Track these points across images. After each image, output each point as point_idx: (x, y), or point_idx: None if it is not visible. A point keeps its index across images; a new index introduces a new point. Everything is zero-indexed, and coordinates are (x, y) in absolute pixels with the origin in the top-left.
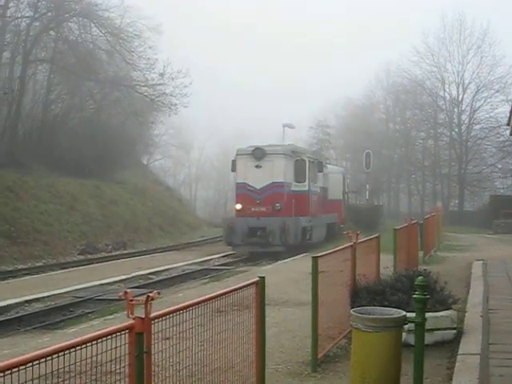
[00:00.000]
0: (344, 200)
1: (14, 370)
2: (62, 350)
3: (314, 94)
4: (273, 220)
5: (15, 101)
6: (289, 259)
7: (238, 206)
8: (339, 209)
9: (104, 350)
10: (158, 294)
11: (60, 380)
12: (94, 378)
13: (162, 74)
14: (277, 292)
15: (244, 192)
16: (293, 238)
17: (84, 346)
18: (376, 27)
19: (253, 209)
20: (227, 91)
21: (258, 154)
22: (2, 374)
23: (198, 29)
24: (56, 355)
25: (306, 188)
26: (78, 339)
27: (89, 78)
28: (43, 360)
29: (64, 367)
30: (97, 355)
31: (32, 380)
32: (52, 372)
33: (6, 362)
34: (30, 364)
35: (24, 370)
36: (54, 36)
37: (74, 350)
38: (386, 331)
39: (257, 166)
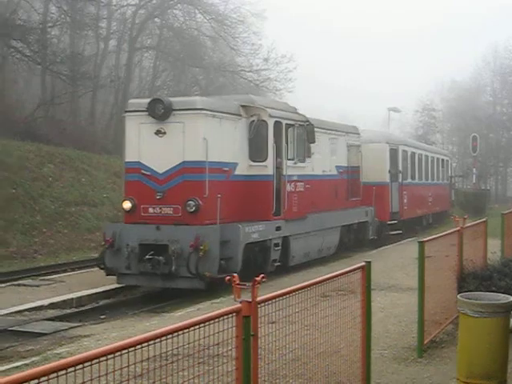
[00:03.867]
0: (450, 184)
1: (123, 351)
2: (171, 332)
3: (419, 77)
4: (181, 231)
5: (122, 88)
6: (393, 244)
7: (126, 205)
8: (445, 194)
9: (211, 333)
10: (264, 278)
11: (168, 362)
12: (201, 360)
13: (266, 59)
14: (382, 277)
15: (136, 179)
16: (214, 264)
17: (192, 328)
18: (479, 9)
19: (151, 209)
20: (330, 75)
21: (159, 112)
22: (111, 356)
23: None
24: (164, 338)
25: (269, 172)
26: (186, 322)
27: (194, 65)
28: (152, 342)
29: (172, 349)
30: (204, 338)
31: (141, 362)
32: (160, 354)
33: (115, 344)
34: (140, 346)
35: (133, 352)
36: (158, 23)
37: (182, 332)
38: (493, 317)
39: (158, 133)
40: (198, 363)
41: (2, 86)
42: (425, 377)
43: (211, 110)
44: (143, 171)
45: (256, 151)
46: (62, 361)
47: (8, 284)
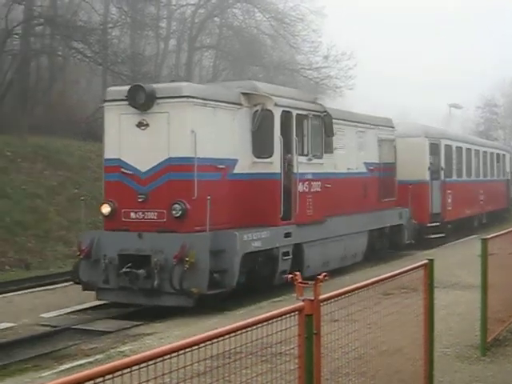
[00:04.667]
0: (509, 181)
1: (186, 350)
2: (234, 331)
3: (481, 73)
4: (165, 240)
5: None
6: (456, 241)
7: (105, 209)
8: (502, 191)
9: (273, 331)
10: (326, 276)
11: (230, 360)
12: (263, 359)
13: (326, 57)
14: (444, 274)
15: (117, 179)
16: (202, 278)
17: (255, 327)
18: None
19: (132, 214)
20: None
21: (140, 100)
22: (175, 354)
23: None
24: (228, 336)
25: (276, 169)
26: (249, 320)
27: (253, 63)
28: (215, 341)
29: (235, 348)
30: (266, 336)
31: (204, 360)
32: (224, 352)
33: (178, 343)
34: (203, 344)
35: (196, 351)
36: (218, 22)
37: (245, 331)
38: None
39: (140, 126)
40: (261, 361)
41: (64, 87)
42: (488, 375)
43: (201, 98)
44: (124, 170)
45: (260, 146)
46: (127, 359)
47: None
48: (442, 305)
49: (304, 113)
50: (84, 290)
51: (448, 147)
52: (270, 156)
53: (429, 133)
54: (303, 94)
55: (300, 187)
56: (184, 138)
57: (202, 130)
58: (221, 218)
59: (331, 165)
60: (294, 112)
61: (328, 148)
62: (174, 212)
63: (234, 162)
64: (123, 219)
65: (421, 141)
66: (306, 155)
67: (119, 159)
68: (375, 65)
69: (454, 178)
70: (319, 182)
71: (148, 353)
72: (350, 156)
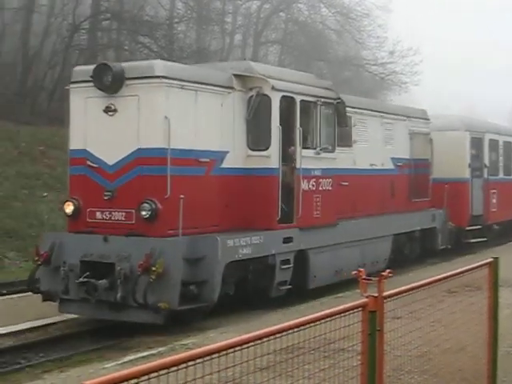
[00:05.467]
0: None
1: (250, 344)
2: (297, 326)
3: None
4: (132, 245)
5: None
6: None
7: (68, 208)
8: None
9: (336, 327)
10: (390, 273)
11: (293, 355)
12: (325, 354)
13: (391, 53)
14: (510, 273)
15: (82, 173)
16: (173, 292)
17: (318, 322)
18: None
19: (98, 214)
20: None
21: (107, 81)
22: (239, 348)
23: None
24: (291, 331)
25: (273, 163)
26: (313, 316)
27: (319, 58)
28: (279, 335)
29: (298, 343)
30: (329, 332)
31: (267, 354)
32: (286, 347)
33: (242, 337)
34: (266, 339)
35: (260, 345)
36: (283, 17)
37: (308, 326)
38: None
39: (107, 111)
40: (323, 357)
41: None
42: None
43: (178, 79)
44: (89, 162)
45: (257, 137)
46: (191, 352)
47: None
48: (506, 303)
49: (311, 99)
50: (44, 300)
51: (494, 142)
52: (267, 148)
53: (470, 126)
54: (312, 78)
55: (304, 185)
56: (155, 125)
57: (178, 116)
58: (204, 221)
59: (349, 160)
60: (298, 98)
61: (345, 141)
62: (142, 212)
63: (223, 154)
64: (88, 220)
65: (461, 135)
66: (314, 148)
67: (85, 150)
68: (440, 55)
69: (501, 175)
70: (330, 180)
71: (212, 346)
72: (373, 150)
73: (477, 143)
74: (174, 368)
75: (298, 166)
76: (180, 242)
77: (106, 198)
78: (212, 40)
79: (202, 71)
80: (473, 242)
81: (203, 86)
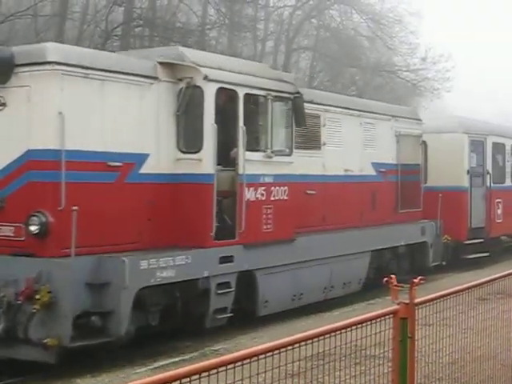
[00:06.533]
0: None
1: (281, 350)
2: (328, 332)
3: None
4: (19, 267)
5: None
6: None
7: None
8: None
9: (367, 334)
10: (422, 279)
11: (324, 362)
12: (356, 361)
13: (423, 59)
14: None
15: None
16: (63, 325)
17: (349, 329)
18: None
19: None
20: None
21: None
22: (270, 354)
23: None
24: (322, 337)
25: (206, 169)
26: (344, 322)
27: (350, 65)
28: (309, 342)
29: (329, 349)
30: (360, 339)
31: (299, 361)
32: (317, 354)
33: (273, 343)
34: (297, 345)
35: (291, 351)
36: (315, 24)
37: (339, 332)
38: None
39: None
40: (354, 364)
41: None
42: None
43: (78, 66)
44: None
45: (188, 137)
46: (223, 357)
47: None
48: None
49: (259, 93)
50: None
51: (498, 146)
52: (199, 151)
53: (469, 127)
54: (264, 68)
55: (250, 194)
56: (46, 122)
57: (77, 111)
58: (116, 238)
59: (316, 165)
60: (241, 90)
61: (311, 143)
62: (31, 227)
63: (142, 157)
64: None
65: (457, 137)
66: (264, 151)
67: None
68: (475, 61)
69: (509, 183)
70: (286, 188)
71: (243, 352)
72: (349, 154)
73: (478, 147)
74: (205, 374)
75: (240, 171)
76: (73, 264)
77: None
78: (244, 47)
79: (112, 57)
80: (471, 258)
81: (114, 75)
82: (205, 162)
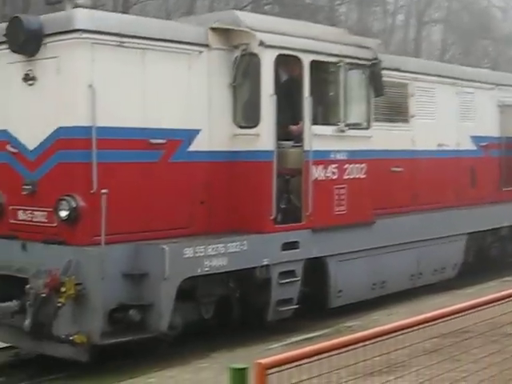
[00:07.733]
0: None
1: (415, 327)
2: (464, 310)
3: None
4: (50, 255)
5: None
6: None
7: None
8: None
9: (504, 311)
10: None
11: (460, 339)
12: (493, 339)
13: None
14: None
15: (4, 161)
16: (94, 320)
17: (485, 306)
18: None
19: (20, 214)
20: None
21: (19, 41)
22: (406, 331)
23: None
24: (459, 315)
25: (264, 145)
26: (479, 300)
27: (483, 37)
28: (446, 319)
29: (465, 327)
30: (498, 316)
31: (434, 338)
32: (454, 332)
33: (408, 320)
34: (433, 322)
35: (425, 328)
36: None
37: (475, 310)
38: None
39: (26, 80)
40: (490, 342)
41: None
42: None
43: (112, 34)
44: (10, 147)
45: (245, 110)
46: (359, 334)
47: None
48: None
49: (330, 59)
50: None
51: None
52: (256, 125)
53: None
54: (339, 33)
55: (318, 173)
56: (76, 96)
57: (111, 84)
58: (161, 223)
59: (404, 139)
60: (307, 57)
61: (398, 115)
62: (60, 212)
63: (191, 134)
64: (11, 221)
65: None
66: (336, 124)
67: (6, 131)
68: None
69: None
70: (363, 165)
71: (380, 328)
72: (443, 127)
73: None
74: (345, 349)
75: (306, 147)
76: (104, 253)
77: (24, 192)
78: (374, 21)
79: (153, 24)
80: None
81: (156, 43)
82: (263, 137)
